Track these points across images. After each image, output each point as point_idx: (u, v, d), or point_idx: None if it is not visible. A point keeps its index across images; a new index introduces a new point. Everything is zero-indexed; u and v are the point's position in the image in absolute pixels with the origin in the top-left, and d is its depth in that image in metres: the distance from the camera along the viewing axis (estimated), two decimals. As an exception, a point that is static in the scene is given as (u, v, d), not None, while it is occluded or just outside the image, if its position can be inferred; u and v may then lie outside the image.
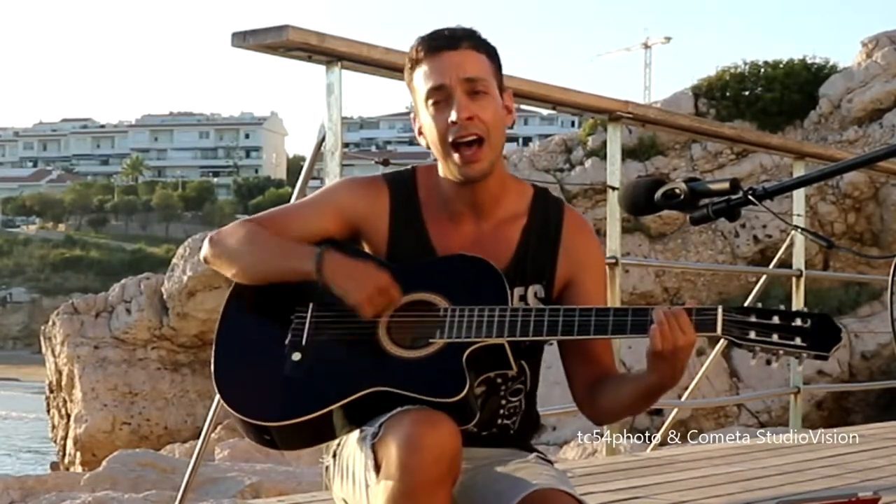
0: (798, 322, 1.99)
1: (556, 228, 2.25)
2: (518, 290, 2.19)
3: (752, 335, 1.99)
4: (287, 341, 2.11)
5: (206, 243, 2.24)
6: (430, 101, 2.14)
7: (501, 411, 2.20)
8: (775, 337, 1.99)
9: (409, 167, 2.31)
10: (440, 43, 2.15)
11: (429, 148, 2.22)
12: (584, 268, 2.25)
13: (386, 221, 2.22)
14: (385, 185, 2.25)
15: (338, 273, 2.09)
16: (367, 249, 2.23)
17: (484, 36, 2.20)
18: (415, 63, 2.17)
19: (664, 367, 2.02)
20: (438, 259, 2.18)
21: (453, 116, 2.11)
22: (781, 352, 1.99)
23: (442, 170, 2.21)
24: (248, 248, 2.17)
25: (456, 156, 2.13)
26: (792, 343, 1.98)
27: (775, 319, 1.99)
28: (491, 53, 2.19)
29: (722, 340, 2.04)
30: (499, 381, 2.18)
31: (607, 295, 2.33)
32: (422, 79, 2.15)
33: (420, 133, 2.21)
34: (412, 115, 2.23)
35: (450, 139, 2.12)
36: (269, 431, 2.08)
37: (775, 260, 6.75)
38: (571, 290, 2.23)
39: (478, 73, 2.14)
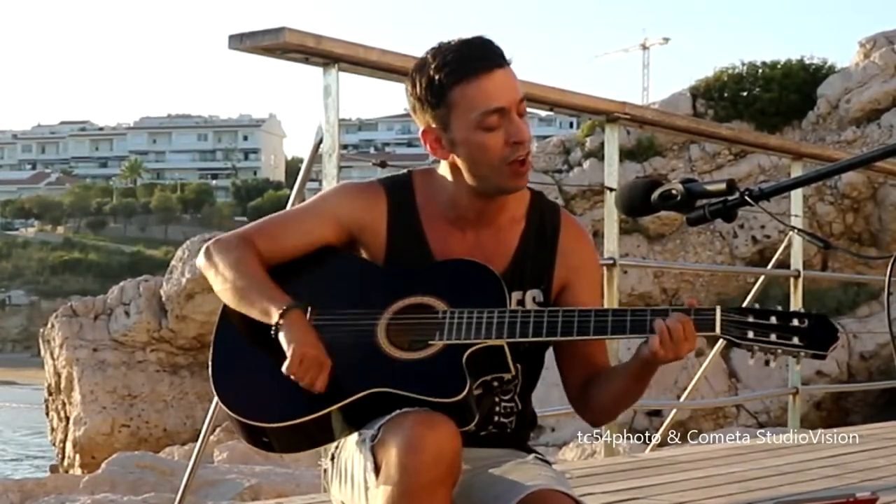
0: (795, 322, 2.01)
1: (553, 233, 2.25)
2: (516, 295, 2.19)
3: (751, 335, 2.01)
4: (286, 343, 2.11)
5: (202, 252, 2.25)
6: (486, 121, 2.09)
7: (497, 409, 2.21)
8: (773, 337, 2.00)
9: (405, 171, 2.30)
10: (491, 63, 2.10)
11: (433, 153, 2.19)
12: (580, 274, 2.25)
13: (384, 227, 2.22)
14: (382, 191, 2.24)
15: (290, 332, 2.07)
16: (364, 255, 2.23)
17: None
18: (459, 78, 2.09)
19: (658, 363, 2.06)
20: (436, 263, 2.18)
21: (516, 137, 2.10)
22: (779, 351, 2.01)
23: (449, 172, 2.19)
24: (233, 276, 2.17)
25: (509, 171, 2.12)
26: (790, 343, 2.00)
27: (773, 320, 2.01)
28: None
29: (721, 341, 2.05)
30: (495, 383, 2.18)
31: (603, 300, 2.33)
32: (475, 97, 2.09)
33: (436, 142, 2.16)
34: (423, 130, 2.17)
35: (509, 159, 2.11)
36: (267, 433, 2.08)
37: (773, 260, 6.76)
38: (566, 294, 2.23)
39: (523, 92, 2.14)
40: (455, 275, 2.14)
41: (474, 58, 2.10)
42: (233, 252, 2.21)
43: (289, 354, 2.04)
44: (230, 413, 2.11)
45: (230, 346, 2.18)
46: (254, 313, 2.14)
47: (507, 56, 2.13)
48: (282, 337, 2.07)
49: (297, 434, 2.07)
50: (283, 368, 2.04)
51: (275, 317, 2.09)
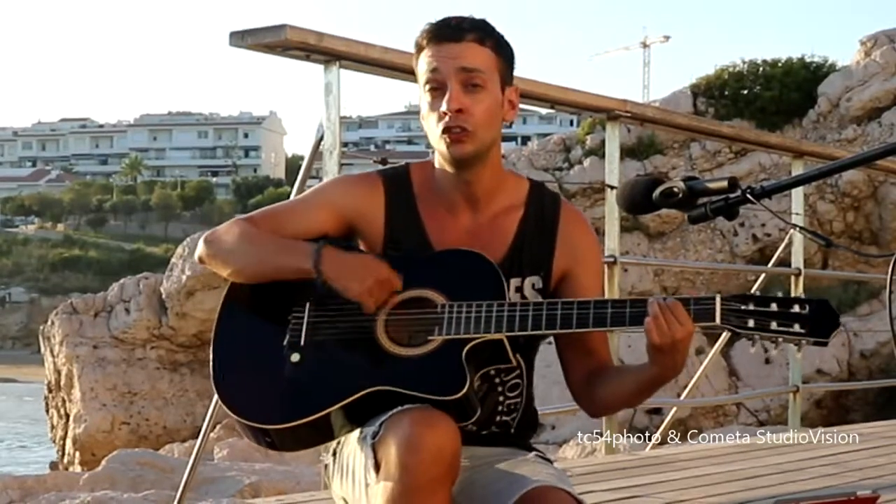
0: (796, 308, 1.98)
1: (553, 220, 2.25)
2: (514, 281, 2.18)
3: (751, 323, 1.98)
4: (285, 342, 2.10)
5: (200, 243, 2.23)
6: (427, 88, 2.15)
7: (500, 408, 2.20)
8: (774, 324, 1.98)
9: (403, 163, 2.31)
10: (444, 33, 2.15)
11: (428, 144, 2.22)
12: (581, 261, 2.25)
13: (381, 216, 2.22)
14: (379, 181, 2.25)
15: (336, 269, 2.09)
16: (362, 246, 2.23)
17: (495, 27, 2.19)
18: (419, 49, 2.18)
19: (665, 359, 2.03)
20: (433, 254, 2.18)
21: (444, 107, 2.12)
22: (781, 339, 1.99)
23: (437, 159, 2.22)
24: (244, 246, 2.16)
25: (446, 136, 2.14)
26: (791, 330, 1.97)
27: (773, 307, 1.99)
28: (499, 46, 2.18)
29: (721, 338, 2.05)
30: (493, 374, 2.17)
31: (604, 289, 2.33)
32: (422, 65, 2.16)
33: (422, 119, 2.22)
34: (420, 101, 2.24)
35: (440, 127, 2.13)
36: (270, 434, 2.07)
37: (774, 258, 6.75)
38: (567, 283, 2.23)
39: (476, 64, 2.14)
40: (452, 265, 2.13)
41: (435, 30, 2.16)
42: (236, 229, 2.20)
43: (357, 301, 2.06)
44: (234, 415, 2.10)
45: (230, 347, 2.17)
46: (282, 272, 2.12)
47: (479, 32, 2.14)
48: (333, 287, 2.07)
49: (300, 434, 2.06)
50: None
51: (310, 267, 2.09)
